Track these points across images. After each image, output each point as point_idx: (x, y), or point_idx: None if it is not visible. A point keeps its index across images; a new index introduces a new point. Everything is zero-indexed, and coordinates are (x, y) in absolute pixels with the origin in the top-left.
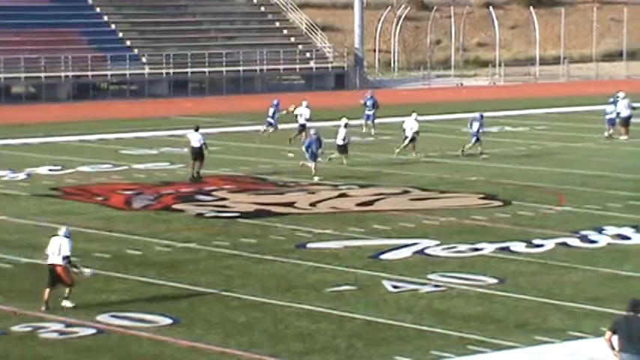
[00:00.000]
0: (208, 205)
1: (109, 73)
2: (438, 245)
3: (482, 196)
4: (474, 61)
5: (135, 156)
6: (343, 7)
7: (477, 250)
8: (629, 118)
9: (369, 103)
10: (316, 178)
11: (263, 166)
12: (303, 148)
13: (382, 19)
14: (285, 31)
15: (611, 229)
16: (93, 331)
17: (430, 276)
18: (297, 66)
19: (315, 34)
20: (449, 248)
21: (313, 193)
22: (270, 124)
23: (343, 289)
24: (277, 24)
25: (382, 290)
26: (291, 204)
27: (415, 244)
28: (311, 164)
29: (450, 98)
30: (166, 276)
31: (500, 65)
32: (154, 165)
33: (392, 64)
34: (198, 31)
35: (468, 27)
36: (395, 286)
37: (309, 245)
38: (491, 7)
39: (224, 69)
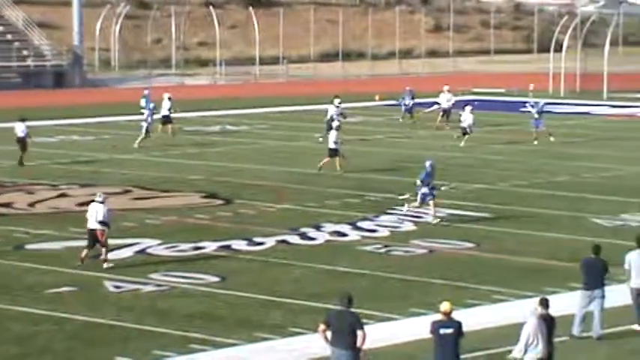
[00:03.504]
0: None
1: None
2: (159, 244)
3: (203, 194)
4: (195, 60)
5: None
6: (62, 4)
7: (198, 248)
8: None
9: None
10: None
11: None
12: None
13: (102, 17)
14: (0, 28)
15: (329, 226)
16: None
17: (152, 275)
18: (14, 64)
19: (33, 31)
20: (171, 247)
21: (32, 193)
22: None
23: (63, 290)
24: None
25: (103, 291)
26: (8, 204)
27: (137, 243)
28: (417, 202)
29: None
30: None
31: (220, 64)
32: None
33: (112, 63)
34: None
35: (189, 26)
36: (116, 287)
37: (27, 246)
38: (211, 7)
39: None
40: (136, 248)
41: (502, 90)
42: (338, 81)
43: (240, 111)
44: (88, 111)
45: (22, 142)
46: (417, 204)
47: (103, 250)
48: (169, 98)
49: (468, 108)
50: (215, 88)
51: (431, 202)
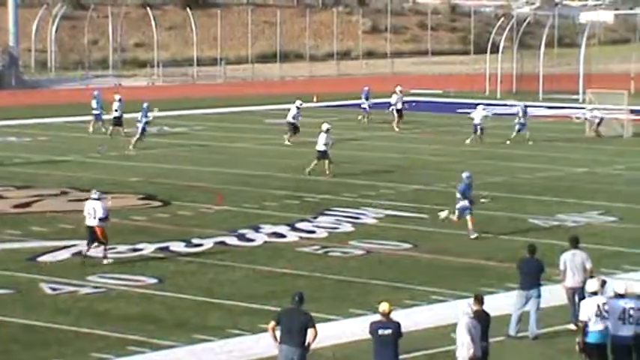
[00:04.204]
0: None
1: None
2: (97, 247)
3: (141, 196)
4: (132, 61)
5: None
6: None
7: (136, 250)
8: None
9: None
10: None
11: None
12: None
13: (38, 17)
14: None
15: (268, 228)
16: None
17: (90, 277)
18: None
19: None
20: (108, 249)
21: None
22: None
23: (0, 292)
24: None
25: (40, 293)
26: None
27: (74, 245)
28: (455, 215)
29: (108, 98)
30: None
31: (158, 66)
32: None
33: (48, 64)
34: None
35: (126, 27)
36: (53, 289)
37: None
38: (148, 8)
39: None
40: (74, 250)
41: (439, 91)
42: (276, 82)
43: (178, 112)
44: (24, 112)
45: None
46: (455, 218)
47: (102, 247)
48: (120, 100)
49: (480, 107)
50: (152, 89)
51: (469, 217)
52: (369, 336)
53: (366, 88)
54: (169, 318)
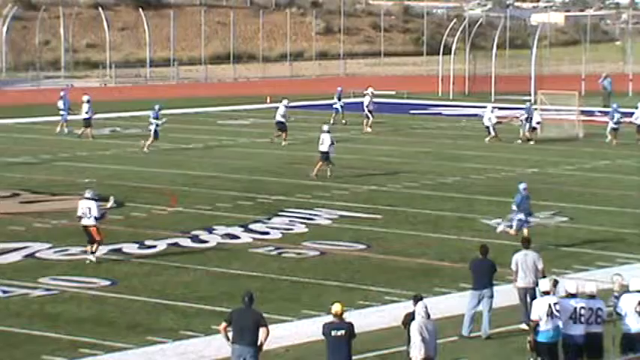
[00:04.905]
0: None
1: None
2: (49, 248)
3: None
4: (85, 62)
5: None
6: None
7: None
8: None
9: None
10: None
11: None
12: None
13: None
14: None
15: (221, 229)
16: None
17: (41, 279)
18: None
19: None
20: (61, 251)
21: None
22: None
23: None
24: None
25: None
26: None
27: (26, 247)
28: (513, 229)
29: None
30: None
31: (110, 67)
32: None
33: (0, 65)
34: None
35: (78, 28)
36: (4, 291)
37: None
38: (100, 9)
39: None
40: (25, 252)
41: (392, 92)
42: (229, 83)
43: (131, 113)
44: None
45: None
46: (512, 231)
47: (95, 245)
48: (88, 101)
49: (490, 106)
50: (105, 90)
51: (525, 231)
52: (322, 337)
53: (340, 89)
54: (122, 320)
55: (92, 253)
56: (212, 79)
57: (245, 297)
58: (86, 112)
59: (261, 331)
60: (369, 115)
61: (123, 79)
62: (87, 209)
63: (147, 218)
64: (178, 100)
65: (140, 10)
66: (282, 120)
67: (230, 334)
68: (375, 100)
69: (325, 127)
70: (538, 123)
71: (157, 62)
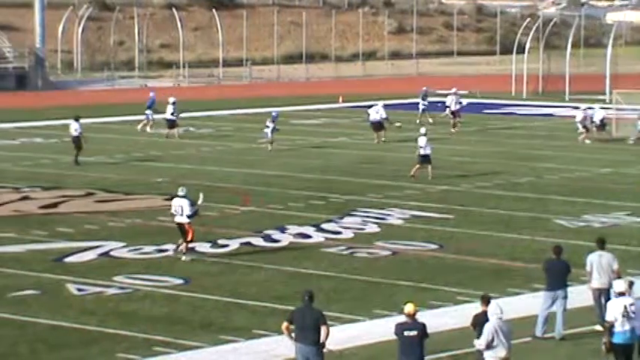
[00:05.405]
0: None
1: None
2: (123, 247)
3: (167, 197)
4: (158, 62)
5: None
6: (23, 5)
7: (162, 251)
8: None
9: None
10: None
11: None
12: None
13: (64, 19)
14: None
15: (293, 228)
16: None
17: (116, 278)
18: None
19: None
20: (135, 250)
21: None
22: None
23: (26, 293)
24: None
25: (66, 293)
26: None
27: (100, 246)
28: None
29: (134, 99)
30: None
31: (184, 67)
32: None
33: (75, 65)
34: None
35: (151, 28)
36: (80, 289)
37: None
38: (174, 9)
39: None
40: (100, 251)
41: (465, 92)
42: (301, 83)
43: (204, 113)
44: (50, 113)
45: (76, 141)
46: None
47: (185, 244)
48: (174, 102)
49: (597, 106)
50: (178, 90)
51: None
52: (394, 337)
53: (425, 88)
54: (195, 318)
55: (183, 253)
56: (284, 78)
57: (305, 295)
58: (171, 114)
59: (322, 329)
60: (454, 116)
61: (196, 79)
62: (179, 207)
63: (219, 217)
64: (251, 99)
65: (213, 10)
66: (380, 119)
67: (293, 333)
68: (445, 100)
69: (423, 130)
70: (602, 121)
71: (229, 62)
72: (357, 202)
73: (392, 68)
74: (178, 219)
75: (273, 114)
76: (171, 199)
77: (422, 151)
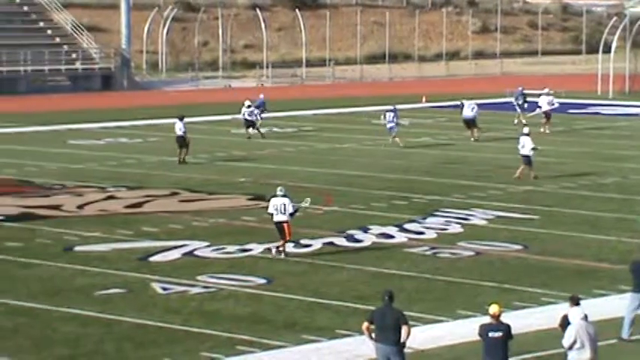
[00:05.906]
0: None
1: None
2: (207, 247)
3: (250, 197)
4: (242, 62)
5: None
6: (109, 7)
7: (245, 250)
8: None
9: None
10: None
11: (28, 169)
12: None
13: (149, 19)
14: (49, 31)
15: (376, 228)
16: None
17: (199, 277)
18: (63, 67)
19: (81, 34)
20: (218, 249)
21: (81, 195)
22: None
23: (112, 292)
24: (41, 24)
25: (151, 292)
26: (57, 207)
27: (184, 245)
28: None
29: (218, 99)
30: None
31: (267, 67)
32: None
33: (160, 65)
34: None
35: (235, 29)
36: (164, 288)
37: (76, 248)
38: (257, 9)
39: None
40: (184, 250)
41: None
42: (384, 83)
43: (287, 113)
44: (136, 113)
45: (181, 140)
46: None
47: (282, 242)
48: (249, 106)
49: None
50: (262, 90)
51: None
52: (477, 338)
53: (520, 88)
54: (278, 318)
55: (282, 252)
56: (367, 78)
57: (385, 295)
58: (250, 115)
59: (403, 329)
60: (546, 117)
61: (279, 79)
62: (282, 205)
63: (302, 217)
64: (334, 99)
65: (296, 10)
66: (473, 117)
67: (373, 333)
68: (530, 99)
69: (526, 130)
70: None
71: (312, 62)
72: (439, 203)
73: (475, 68)
74: (279, 217)
75: (391, 107)
76: (254, 198)
77: (523, 151)
